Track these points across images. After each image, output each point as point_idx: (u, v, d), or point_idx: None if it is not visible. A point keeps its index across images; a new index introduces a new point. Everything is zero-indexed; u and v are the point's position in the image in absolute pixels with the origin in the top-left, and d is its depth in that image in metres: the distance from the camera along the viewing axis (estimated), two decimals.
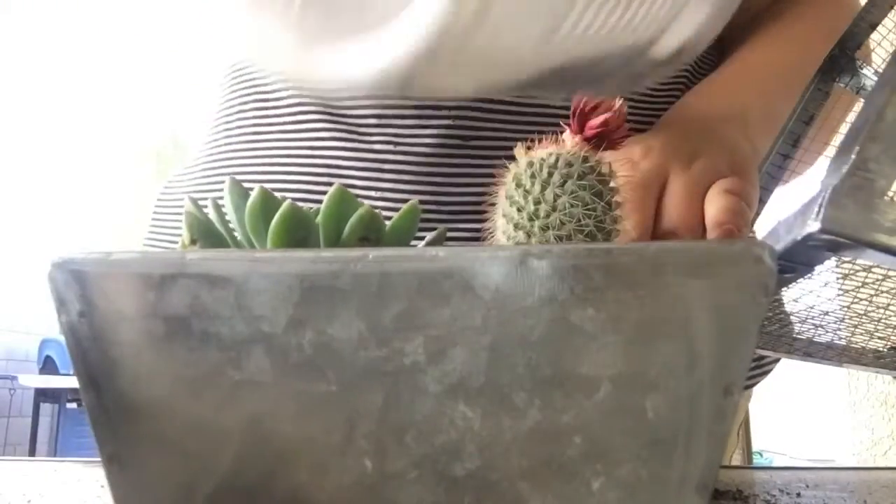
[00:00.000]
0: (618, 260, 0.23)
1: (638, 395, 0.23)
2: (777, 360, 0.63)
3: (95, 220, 3.40)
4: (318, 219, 0.31)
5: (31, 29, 3.29)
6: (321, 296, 0.23)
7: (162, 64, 3.24)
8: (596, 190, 0.30)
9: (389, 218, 0.33)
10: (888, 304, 0.36)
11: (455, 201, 0.51)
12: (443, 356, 0.23)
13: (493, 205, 0.33)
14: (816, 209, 0.24)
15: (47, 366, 3.13)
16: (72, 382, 2.67)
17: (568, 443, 0.23)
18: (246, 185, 0.34)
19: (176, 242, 0.52)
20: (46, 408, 3.11)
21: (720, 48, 0.63)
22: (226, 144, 0.59)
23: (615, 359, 0.23)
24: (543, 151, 0.32)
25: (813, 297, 0.36)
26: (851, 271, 0.33)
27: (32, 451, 2.98)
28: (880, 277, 0.34)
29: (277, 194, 0.32)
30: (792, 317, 0.39)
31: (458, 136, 0.51)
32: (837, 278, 0.34)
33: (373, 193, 0.52)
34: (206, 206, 0.34)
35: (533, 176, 0.31)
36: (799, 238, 0.25)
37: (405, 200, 0.35)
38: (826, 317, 0.38)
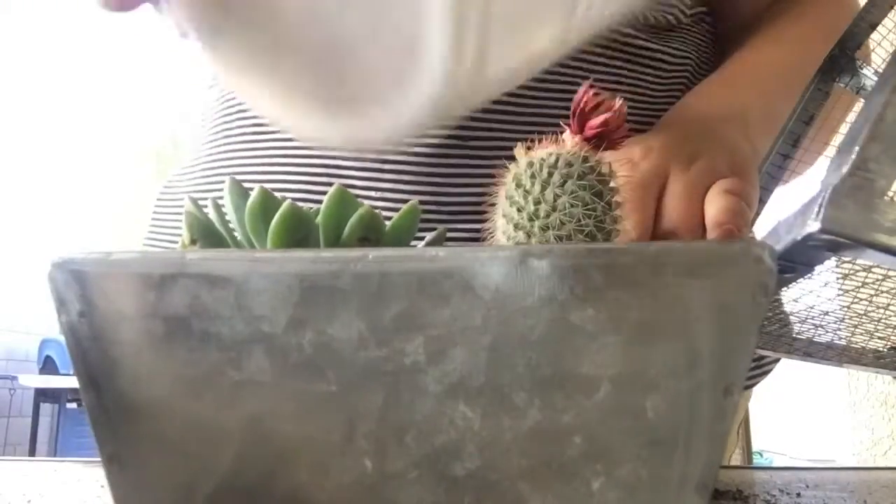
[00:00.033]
0: (618, 260, 0.23)
1: (638, 395, 0.23)
2: (777, 360, 0.63)
3: (95, 220, 3.40)
4: (318, 219, 0.31)
5: (31, 29, 3.29)
6: (321, 296, 0.23)
7: (162, 64, 3.24)
8: (596, 190, 0.30)
9: (389, 218, 0.33)
10: (888, 304, 0.36)
11: (455, 201, 0.51)
12: (443, 356, 0.23)
13: (493, 205, 0.33)
14: (816, 209, 0.24)
15: (47, 366, 3.13)
16: (72, 382, 2.67)
17: (568, 443, 0.23)
18: (246, 185, 0.34)
19: (176, 242, 0.52)
20: (46, 408, 3.11)
21: (720, 48, 0.63)
22: (225, 144, 0.59)
23: (615, 359, 0.23)
24: (543, 151, 0.32)
25: (813, 297, 0.36)
26: (851, 271, 0.33)
27: (32, 451, 2.98)
28: (880, 277, 0.34)
29: (277, 194, 0.32)
30: (792, 317, 0.39)
31: (458, 136, 0.51)
32: (837, 278, 0.34)
33: (373, 193, 0.52)
34: (206, 206, 0.34)
35: (533, 176, 0.31)
36: (799, 238, 0.25)
37: (405, 200, 0.35)
38: (826, 317, 0.38)
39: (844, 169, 0.24)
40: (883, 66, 0.42)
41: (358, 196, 0.51)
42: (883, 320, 0.37)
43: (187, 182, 0.62)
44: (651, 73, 0.55)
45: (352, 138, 0.16)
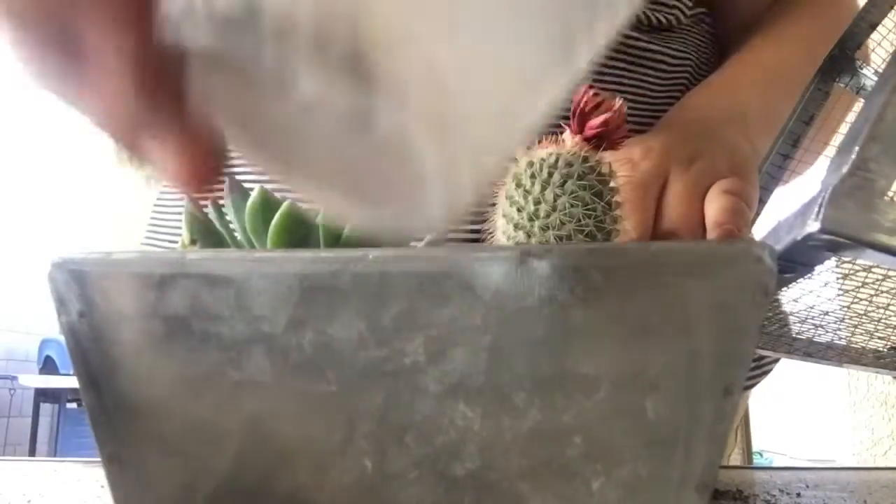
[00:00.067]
0: (618, 260, 0.23)
1: (638, 395, 0.23)
2: (777, 360, 0.63)
3: (95, 220, 3.40)
4: (318, 219, 0.31)
5: None
6: (321, 296, 0.23)
7: None
8: (596, 190, 0.30)
9: None
10: (888, 304, 0.36)
11: None
12: (443, 356, 0.23)
13: (493, 205, 0.33)
14: (816, 209, 0.24)
15: (47, 366, 3.13)
16: (72, 382, 2.67)
17: (568, 443, 0.23)
18: (246, 185, 0.34)
19: (176, 242, 0.52)
20: (46, 408, 3.11)
21: (720, 49, 0.63)
22: None
23: (615, 359, 0.23)
24: (543, 151, 0.32)
25: (813, 297, 0.36)
26: (851, 271, 0.33)
27: (32, 451, 2.98)
28: (880, 277, 0.34)
29: (277, 194, 0.32)
30: (792, 317, 0.39)
31: None
32: (837, 278, 0.34)
33: None
34: (206, 206, 0.34)
35: (533, 176, 0.31)
36: (799, 238, 0.25)
37: None
38: (826, 317, 0.38)
39: (844, 169, 0.24)
40: (883, 66, 0.42)
41: None
42: (883, 320, 0.37)
43: None
44: (651, 73, 0.55)
45: (393, 227, 0.17)
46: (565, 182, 0.30)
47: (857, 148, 0.25)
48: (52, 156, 3.33)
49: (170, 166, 0.20)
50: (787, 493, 0.39)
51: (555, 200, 0.30)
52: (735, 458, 1.75)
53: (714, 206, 0.38)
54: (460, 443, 0.23)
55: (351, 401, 0.24)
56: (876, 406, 1.98)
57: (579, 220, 0.30)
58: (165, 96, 0.18)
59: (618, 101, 0.32)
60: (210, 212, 0.33)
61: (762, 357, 0.61)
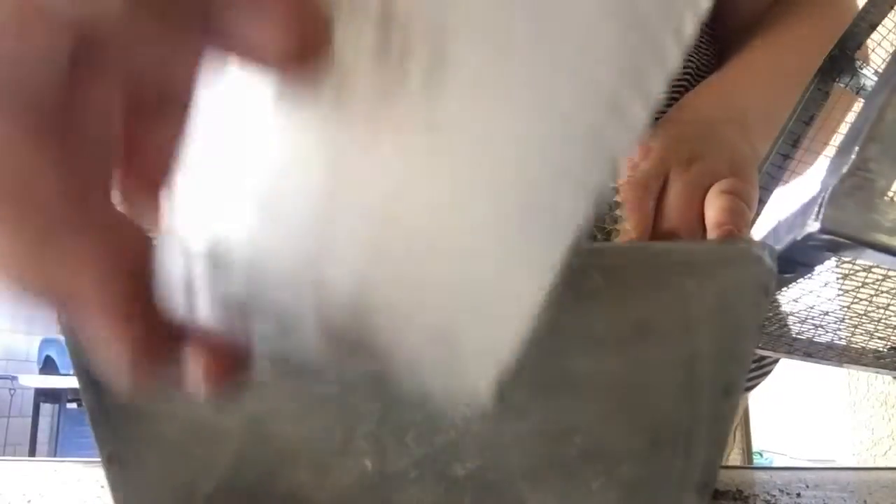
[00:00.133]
0: (618, 260, 0.23)
1: (638, 395, 0.23)
2: (776, 361, 0.63)
3: None
4: None
5: None
6: None
7: None
8: None
9: None
10: (888, 304, 0.36)
11: None
12: None
13: None
14: (816, 209, 0.24)
15: (47, 366, 3.13)
16: (72, 382, 2.67)
17: (568, 443, 0.23)
18: None
19: None
20: (46, 408, 3.11)
21: (720, 49, 0.63)
22: None
23: (615, 359, 0.23)
24: None
25: (813, 297, 0.36)
26: (851, 271, 0.33)
27: (32, 451, 2.98)
28: (880, 277, 0.34)
29: None
30: (792, 317, 0.39)
31: None
32: (837, 278, 0.34)
33: None
34: None
35: None
36: (799, 238, 0.25)
37: None
38: (826, 317, 0.38)
39: (844, 169, 0.24)
40: (883, 66, 0.42)
41: None
42: (883, 320, 0.37)
43: None
44: None
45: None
46: None
47: (857, 148, 0.25)
48: None
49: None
50: (787, 493, 0.39)
51: None
52: (735, 458, 1.75)
53: (714, 207, 0.38)
54: (460, 443, 0.23)
55: (351, 401, 0.24)
56: (876, 406, 1.98)
57: None
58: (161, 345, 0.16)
59: None
60: None
61: (762, 358, 0.61)
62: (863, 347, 0.40)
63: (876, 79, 0.43)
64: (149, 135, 0.19)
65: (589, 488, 0.23)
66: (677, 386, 0.22)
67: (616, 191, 0.31)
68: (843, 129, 0.48)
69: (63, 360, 3.04)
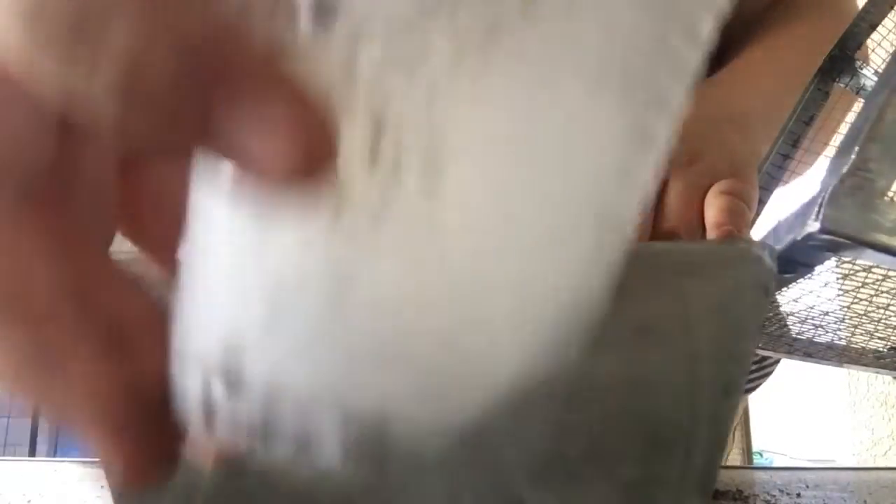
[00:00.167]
0: None
1: (638, 395, 0.23)
2: (777, 362, 0.63)
3: None
4: None
5: None
6: None
7: None
8: None
9: None
10: (888, 305, 0.36)
11: None
12: None
13: None
14: (816, 209, 0.24)
15: None
16: None
17: (568, 443, 0.23)
18: None
19: None
20: None
21: (720, 49, 0.63)
22: None
23: (615, 359, 0.23)
24: None
25: (813, 297, 0.36)
26: (851, 271, 0.33)
27: (32, 451, 2.98)
28: (880, 277, 0.34)
29: None
30: (792, 317, 0.39)
31: None
32: (837, 278, 0.35)
33: None
34: None
35: None
36: (799, 238, 0.25)
37: None
38: (826, 317, 0.38)
39: (844, 169, 0.24)
40: (883, 66, 0.43)
41: None
42: (883, 320, 0.37)
43: None
44: None
45: None
46: None
47: (857, 148, 0.25)
48: None
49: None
50: (787, 493, 0.39)
51: None
52: (735, 458, 1.75)
53: (714, 207, 0.38)
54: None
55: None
56: (876, 406, 1.98)
57: None
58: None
59: None
60: None
61: (764, 359, 0.61)
62: (863, 347, 0.40)
63: (876, 79, 0.43)
64: (149, 185, 0.18)
65: (589, 488, 0.23)
66: (677, 386, 0.22)
67: None
68: (843, 129, 0.48)
69: None
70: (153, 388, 0.15)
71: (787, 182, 0.47)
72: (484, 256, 0.13)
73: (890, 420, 1.93)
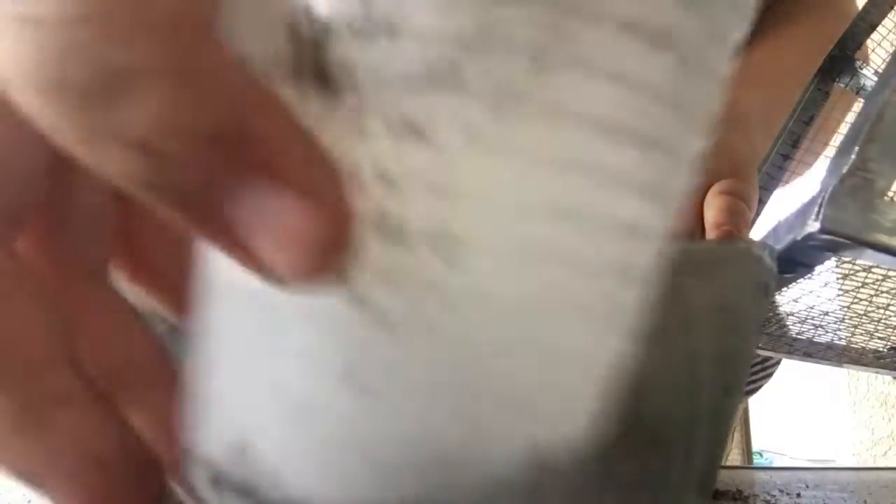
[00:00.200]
0: None
1: (638, 394, 0.23)
2: (779, 363, 0.63)
3: None
4: None
5: None
6: None
7: None
8: None
9: None
10: (888, 305, 0.36)
11: None
12: None
13: None
14: (816, 209, 0.24)
15: None
16: None
17: None
18: None
19: None
20: None
21: None
22: None
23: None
24: None
25: (813, 297, 0.36)
26: (851, 271, 0.34)
27: None
28: (880, 277, 0.34)
29: None
30: (792, 317, 0.39)
31: None
32: (837, 278, 0.35)
33: None
34: None
35: None
36: (799, 238, 0.25)
37: None
38: (826, 317, 0.38)
39: (844, 169, 0.24)
40: (883, 66, 0.43)
41: None
42: (883, 320, 0.37)
43: None
44: None
45: None
46: None
47: (857, 148, 0.25)
48: None
49: None
50: (787, 493, 0.39)
51: None
52: (735, 458, 1.75)
53: (713, 207, 0.38)
54: None
55: None
56: (876, 406, 1.98)
57: None
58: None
59: None
60: None
61: (766, 359, 0.61)
62: (863, 347, 0.40)
63: (876, 79, 0.43)
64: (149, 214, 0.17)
65: (589, 488, 0.23)
66: (677, 386, 0.23)
67: None
68: (843, 129, 0.48)
69: None
70: (147, 448, 0.14)
71: (787, 182, 0.47)
72: (507, 325, 0.12)
73: (890, 420, 1.93)
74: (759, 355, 0.56)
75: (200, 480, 0.13)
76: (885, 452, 1.92)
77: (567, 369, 0.14)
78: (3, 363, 0.12)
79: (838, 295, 0.36)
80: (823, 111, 0.45)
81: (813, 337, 0.40)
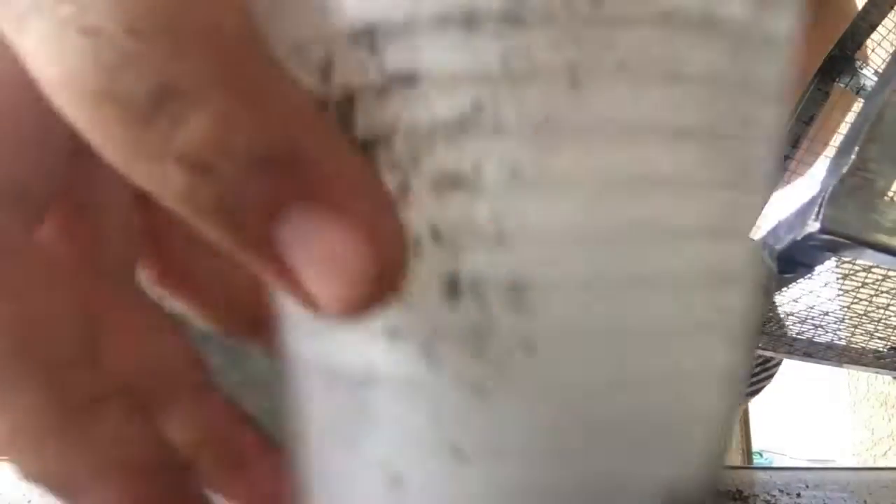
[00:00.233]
0: None
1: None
2: (780, 364, 0.63)
3: None
4: None
5: None
6: None
7: None
8: None
9: None
10: (888, 305, 0.36)
11: None
12: None
13: None
14: (816, 209, 0.24)
15: None
16: None
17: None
18: None
19: None
20: None
21: None
22: None
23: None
24: None
25: (813, 297, 0.36)
26: (851, 271, 0.34)
27: None
28: (880, 277, 0.34)
29: None
30: (792, 317, 0.39)
31: None
32: (837, 278, 0.35)
33: None
34: None
35: None
36: (799, 238, 0.25)
37: None
38: (826, 317, 0.38)
39: (844, 169, 0.24)
40: (883, 66, 0.43)
41: None
42: (883, 320, 0.37)
43: None
44: None
45: None
46: None
47: (857, 148, 0.25)
48: None
49: None
50: (787, 493, 0.39)
51: None
52: (735, 458, 1.75)
53: None
54: None
55: None
56: (876, 406, 1.98)
57: None
58: None
59: None
60: None
61: (767, 360, 0.61)
62: (863, 347, 0.40)
63: (876, 79, 0.43)
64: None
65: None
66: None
67: None
68: (843, 129, 0.48)
69: None
70: (183, 460, 0.14)
71: (787, 182, 0.47)
72: (607, 358, 0.11)
73: (890, 420, 1.93)
74: (760, 356, 0.56)
75: None
76: (885, 452, 1.92)
77: (683, 391, 0.13)
78: (30, 355, 0.12)
79: (838, 295, 0.36)
80: (823, 111, 0.45)
81: (813, 337, 0.40)
